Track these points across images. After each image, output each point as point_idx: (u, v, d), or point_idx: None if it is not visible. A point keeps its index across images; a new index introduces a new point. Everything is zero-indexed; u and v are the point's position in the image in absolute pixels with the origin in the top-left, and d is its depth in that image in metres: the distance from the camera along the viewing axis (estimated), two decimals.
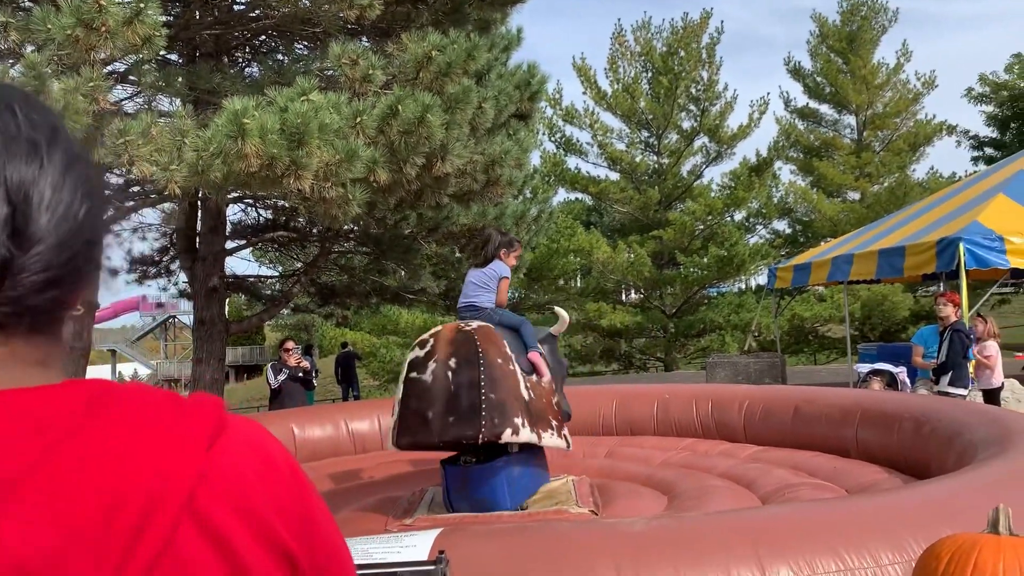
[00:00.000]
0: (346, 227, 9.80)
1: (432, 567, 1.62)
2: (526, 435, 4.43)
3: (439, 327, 4.75)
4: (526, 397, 4.57)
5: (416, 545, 2.04)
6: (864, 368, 9.87)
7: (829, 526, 2.61)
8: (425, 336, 4.69)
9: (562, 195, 24.17)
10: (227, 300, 10.08)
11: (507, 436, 4.32)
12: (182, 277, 11.15)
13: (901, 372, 9.24)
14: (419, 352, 4.56)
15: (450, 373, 4.40)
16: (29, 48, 5.81)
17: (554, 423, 4.73)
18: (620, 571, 2.26)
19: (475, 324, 4.68)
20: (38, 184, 0.61)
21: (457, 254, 12.02)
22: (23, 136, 0.62)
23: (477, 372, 4.40)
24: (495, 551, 2.32)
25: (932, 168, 26.68)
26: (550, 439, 4.66)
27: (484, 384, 4.36)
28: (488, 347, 4.51)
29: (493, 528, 2.67)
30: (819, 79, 26.01)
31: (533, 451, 4.83)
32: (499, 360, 4.49)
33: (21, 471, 0.54)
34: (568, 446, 4.84)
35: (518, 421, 4.39)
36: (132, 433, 0.58)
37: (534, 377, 4.80)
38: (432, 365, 4.44)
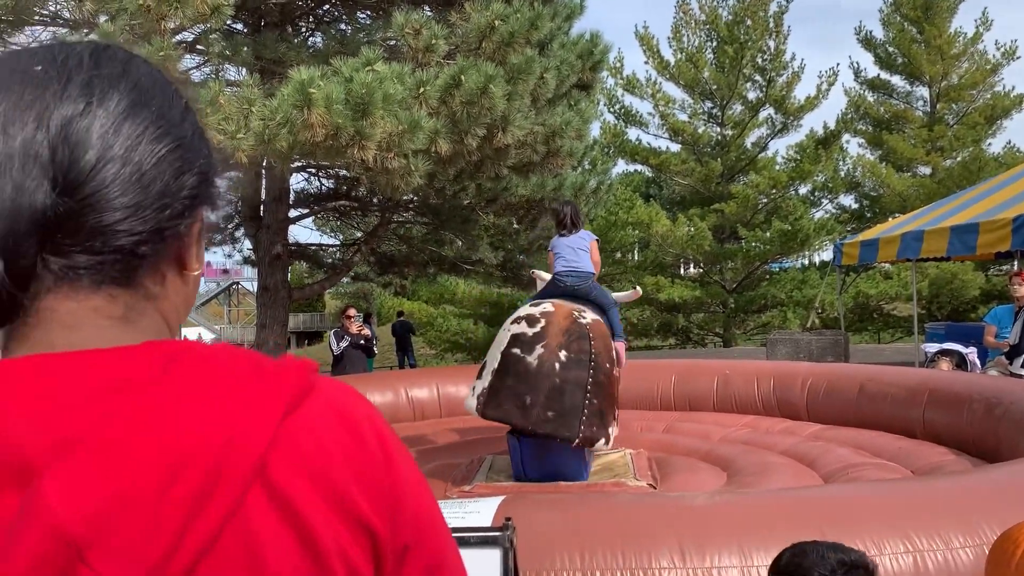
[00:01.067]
0: (406, 197, 9.87)
1: (499, 533, 1.64)
2: (613, 434, 4.45)
3: (549, 307, 4.61)
4: (615, 395, 4.57)
5: (480, 511, 2.06)
6: (932, 348, 9.60)
7: (898, 506, 2.55)
8: (534, 313, 4.54)
9: (621, 167, 23.95)
10: (290, 267, 10.26)
11: (600, 444, 4.34)
12: (246, 244, 11.37)
13: (971, 352, 8.96)
14: (526, 329, 4.44)
15: (558, 365, 4.31)
16: (103, 18, 5.95)
17: (616, 413, 4.69)
18: (683, 545, 2.25)
19: (589, 317, 4.61)
20: (86, 125, 0.58)
21: (515, 225, 12.00)
22: (78, 80, 0.60)
23: (587, 374, 4.33)
24: (558, 520, 2.33)
25: (1009, 143, 25.70)
26: (613, 431, 4.65)
27: (591, 388, 4.31)
28: (601, 349, 4.45)
29: (556, 497, 2.69)
30: (891, 49, 25.08)
31: None
32: (607, 364, 4.47)
33: (80, 432, 0.52)
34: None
35: (611, 430, 4.41)
36: (205, 396, 0.55)
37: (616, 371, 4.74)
38: (540, 349, 4.34)
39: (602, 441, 4.32)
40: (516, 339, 4.41)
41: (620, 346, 4.89)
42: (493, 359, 4.47)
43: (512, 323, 4.55)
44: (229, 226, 11.82)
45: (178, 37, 6.44)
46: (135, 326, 0.61)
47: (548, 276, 5.57)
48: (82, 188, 0.57)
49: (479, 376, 4.53)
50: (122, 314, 0.61)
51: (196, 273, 0.68)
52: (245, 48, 7.28)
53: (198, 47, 7.09)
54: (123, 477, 0.51)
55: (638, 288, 5.57)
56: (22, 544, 0.49)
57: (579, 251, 5.06)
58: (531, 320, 4.49)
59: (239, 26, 8.51)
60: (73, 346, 0.58)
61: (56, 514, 0.49)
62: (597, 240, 5.23)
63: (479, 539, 1.64)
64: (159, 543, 0.51)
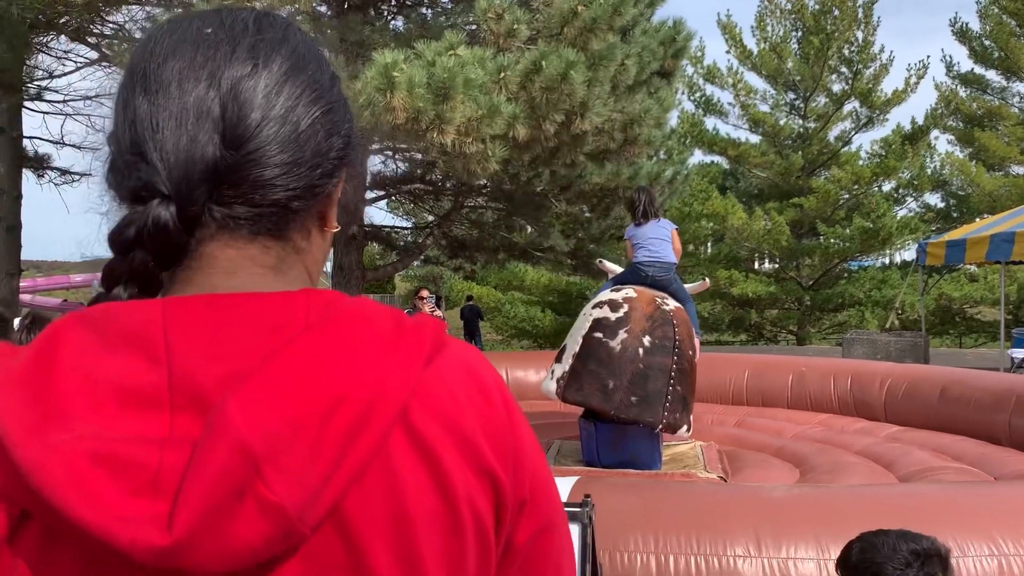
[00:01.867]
0: (480, 182, 9.92)
1: (578, 508, 1.65)
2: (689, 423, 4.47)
3: (631, 292, 4.61)
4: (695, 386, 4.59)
5: None
6: (1019, 353, 9.24)
7: (983, 508, 2.47)
8: (616, 298, 4.56)
9: (698, 157, 23.50)
10: (363, 248, 10.44)
11: (683, 431, 4.34)
12: None
13: None
14: (609, 314, 4.45)
15: (642, 350, 4.32)
16: None
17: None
18: (759, 536, 2.23)
19: (672, 304, 4.62)
20: (252, 86, 0.63)
21: (587, 214, 11.96)
22: (245, 44, 0.64)
23: (671, 360, 4.34)
24: (633, 502, 2.33)
25: None
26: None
27: (674, 375, 4.31)
28: (684, 336, 4.47)
29: (630, 481, 2.68)
30: (988, 42, 24.01)
31: None
32: (690, 352, 4.50)
33: (253, 365, 0.57)
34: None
35: (691, 417, 4.43)
36: (355, 342, 0.59)
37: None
38: (623, 335, 4.35)
39: (684, 428, 4.31)
40: (598, 323, 4.41)
41: (697, 342, 4.86)
42: (574, 343, 4.45)
43: (593, 307, 4.54)
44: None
45: None
46: (285, 276, 0.66)
47: (615, 266, 5.54)
48: (247, 144, 0.62)
49: (558, 360, 4.52)
50: (274, 264, 0.65)
51: (334, 230, 0.72)
52: (330, 30, 7.41)
53: None
54: (292, 406, 0.56)
55: (707, 279, 5.46)
56: (211, 453, 0.54)
57: (662, 241, 4.98)
58: (614, 305, 4.48)
59: (324, 8, 8.67)
60: (235, 289, 0.63)
61: (240, 429, 0.54)
62: (677, 229, 5.19)
63: None
64: (319, 468, 0.55)
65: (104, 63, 8.39)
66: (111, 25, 7.95)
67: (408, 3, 9.61)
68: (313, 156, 0.65)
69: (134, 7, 7.79)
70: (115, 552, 0.52)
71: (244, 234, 0.64)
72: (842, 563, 1.67)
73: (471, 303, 19.39)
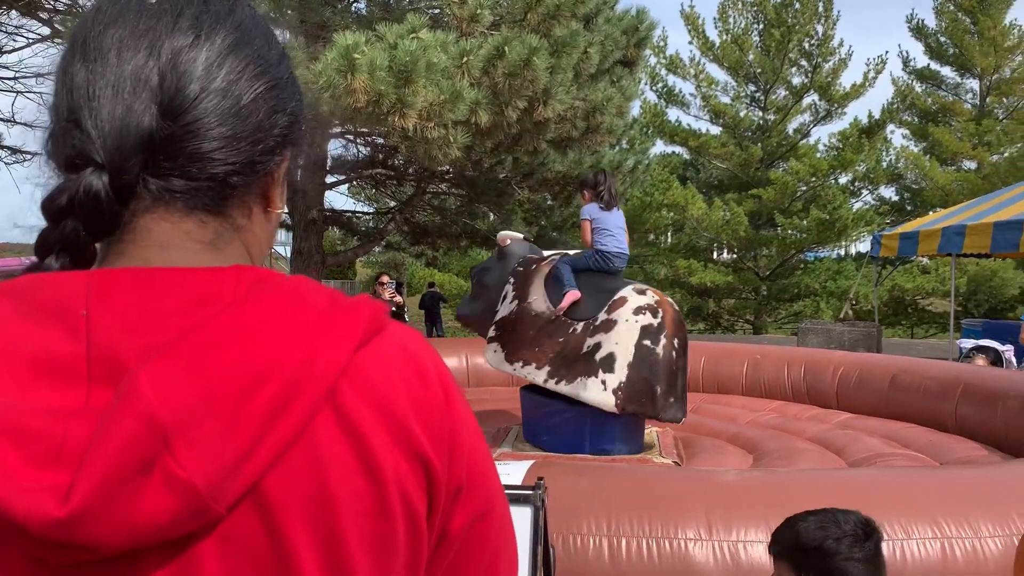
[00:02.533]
0: (442, 168, 9.88)
1: (531, 491, 1.66)
2: None
3: (654, 295, 4.70)
4: None
5: (510, 473, 2.09)
6: (968, 344, 9.49)
7: (928, 493, 2.54)
8: (651, 303, 4.61)
9: (659, 147, 23.63)
10: (323, 233, 10.34)
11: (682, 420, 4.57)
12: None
13: (1008, 350, 8.84)
14: (652, 320, 4.52)
15: (674, 353, 4.50)
16: None
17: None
18: (710, 519, 2.26)
19: (670, 300, 4.80)
20: (193, 57, 0.62)
21: (549, 201, 11.98)
22: (188, 13, 0.64)
23: (686, 359, 4.64)
24: (586, 485, 2.35)
25: None
26: None
27: (685, 371, 4.62)
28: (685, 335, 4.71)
29: (585, 464, 2.71)
30: (943, 39, 24.50)
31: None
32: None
33: (170, 339, 0.55)
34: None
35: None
36: (284, 319, 0.58)
37: None
38: (663, 340, 4.48)
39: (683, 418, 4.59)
40: (646, 331, 4.49)
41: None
42: (625, 352, 4.43)
43: (636, 314, 4.53)
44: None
45: None
46: (222, 252, 0.65)
47: (518, 235, 5.48)
48: (185, 115, 0.61)
49: (608, 370, 4.41)
50: (211, 240, 0.64)
51: (279, 211, 0.71)
52: (290, 11, 7.30)
53: None
54: (209, 380, 0.54)
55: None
56: (117, 423, 0.52)
57: (624, 231, 4.96)
58: (653, 311, 4.58)
59: None
60: (167, 263, 0.61)
61: (149, 400, 0.52)
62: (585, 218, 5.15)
63: (511, 497, 1.66)
64: (235, 445, 0.54)
65: (56, 39, 8.17)
66: (63, 1, 7.74)
67: None
68: (254, 131, 0.64)
69: None
70: (14, 525, 0.50)
71: (180, 207, 0.62)
72: (784, 542, 1.69)
73: (432, 289, 19.32)
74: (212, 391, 0.54)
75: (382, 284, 10.06)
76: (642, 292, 4.63)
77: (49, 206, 0.60)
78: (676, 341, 4.50)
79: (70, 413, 0.53)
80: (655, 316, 4.51)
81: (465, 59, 6.21)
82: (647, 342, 4.43)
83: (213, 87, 0.62)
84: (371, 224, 12.41)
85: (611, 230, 4.87)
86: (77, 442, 0.52)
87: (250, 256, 0.68)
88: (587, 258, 4.89)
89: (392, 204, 12.49)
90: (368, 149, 11.26)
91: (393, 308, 9.96)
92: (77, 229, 0.60)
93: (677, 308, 4.72)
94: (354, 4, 9.28)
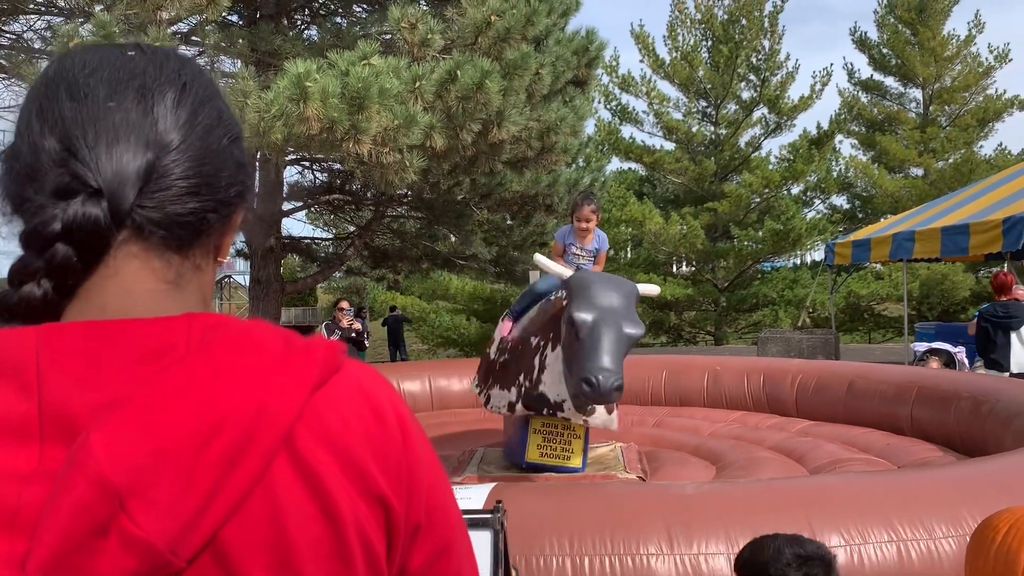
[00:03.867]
0: (400, 192, 9.88)
1: (489, 515, 1.67)
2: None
3: None
4: (493, 358, 4.94)
5: (471, 497, 2.09)
6: (921, 347, 9.69)
7: (883, 496, 2.60)
8: None
9: (615, 164, 23.90)
10: (282, 261, 10.27)
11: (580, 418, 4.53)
12: (239, 236, 11.33)
13: (960, 352, 9.05)
14: None
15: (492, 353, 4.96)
16: (98, 7, 5.94)
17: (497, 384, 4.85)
18: (671, 532, 2.29)
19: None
20: (179, 103, 0.67)
21: (508, 221, 12.04)
22: (170, 68, 0.69)
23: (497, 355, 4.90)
24: (548, 505, 2.36)
25: (1001, 145, 25.66)
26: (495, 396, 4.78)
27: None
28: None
29: (547, 485, 2.72)
30: (885, 50, 25.17)
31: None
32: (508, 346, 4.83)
33: (123, 394, 0.56)
34: (485, 404, 4.87)
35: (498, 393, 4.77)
36: (238, 366, 0.58)
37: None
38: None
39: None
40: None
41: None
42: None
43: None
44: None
45: (173, 28, 6.44)
46: (182, 292, 0.67)
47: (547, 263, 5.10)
48: (173, 153, 0.66)
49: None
50: (174, 279, 0.66)
51: (223, 261, 0.75)
52: (241, 40, 7.28)
53: (193, 38, 7.09)
54: (162, 435, 0.54)
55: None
56: (69, 490, 0.52)
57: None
58: None
59: (235, 18, 8.51)
60: (126, 308, 0.63)
61: (101, 463, 0.52)
62: (556, 239, 5.26)
63: (469, 521, 1.67)
64: (193, 499, 0.54)
65: (0, 74, 8.05)
66: (8, 35, 7.63)
67: (322, 12, 9.51)
68: (228, 175, 0.69)
69: (32, 16, 7.50)
70: None
71: (155, 243, 0.65)
72: (737, 563, 1.75)
73: (395, 313, 19.24)
74: (166, 447, 0.54)
75: (341, 310, 10.01)
76: None
77: (40, 232, 0.60)
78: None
79: (23, 477, 0.53)
80: None
81: (418, 84, 6.24)
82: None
83: (198, 130, 0.67)
84: (330, 250, 12.35)
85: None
86: (31, 508, 0.52)
87: (203, 298, 0.70)
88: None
89: (351, 229, 12.46)
90: (325, 175, 11.23)
91: (352, 334, 9.88)
92: (69, 255, 0.61)
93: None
94: (306, 31, 9.29)
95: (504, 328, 4.87)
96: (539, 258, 4.62)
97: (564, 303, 4.05)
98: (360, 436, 0.63)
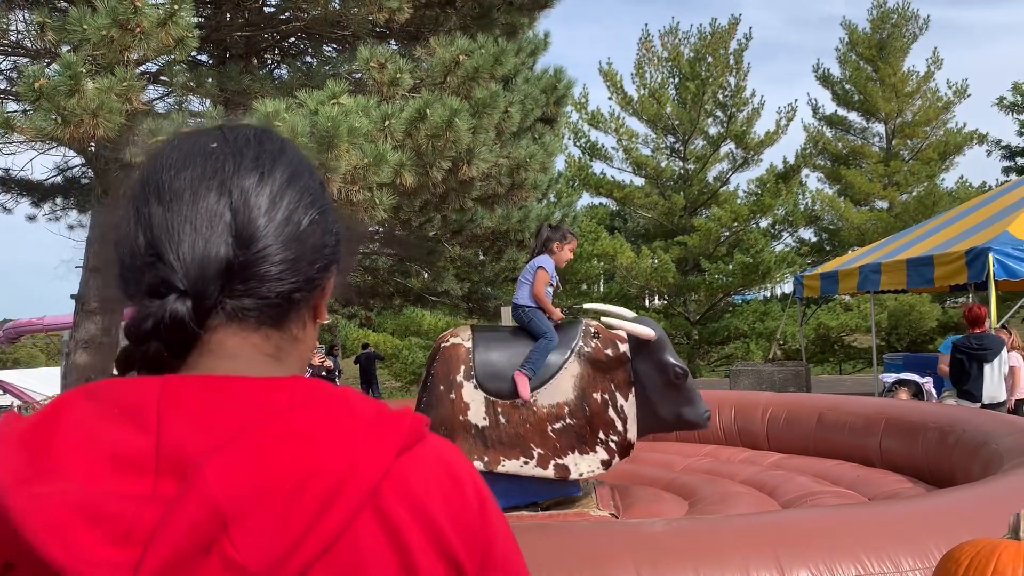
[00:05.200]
0: (371, 229, 9.88)
1: None
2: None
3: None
4: (478, 424, 4.50)
5: None
6: (890, 378, 9.79)
7: (850, 531, 2.61)
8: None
9: (586, 199, 24.08)
10: None
11: None
12: None
13: (927, 382, 9.15)
14: None
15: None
16: (65, 48, 5.93)
17: (537, 451, 4.52)
18: (639, 572, 2.28)
19: (452, 342, 4.75)
20: (258, 194, 0.71)
21: (480, 257, 12.07)
22: (249, 156, 0.73)
23: (423, 395, 4.65)
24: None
25: (962, 177, 26.20)
26: (520, 467, 4.48)
27: (422, 408, 4.55)
28: (440, 368, 4.60)
29: (516, 526, 2.70)
30: (848, 86, 25.77)
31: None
32: (441, 386, 4.55)
33: (231, 437, 0.62)
34: (560, 474, 4.57)
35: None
36: (333, 423, 0.65)
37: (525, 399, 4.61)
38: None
39: None
40: None
41: (517, 375, 4.61)
42: None
43: None
44: None
45: (142, 68, 6.44)
46: (282, 363, 0.73)
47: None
48: (256, 243, 0.70)
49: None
50: (274, 352, 0.72)
51: (324, 321, 0.81)
52: (209, 79, 7.28)
53: (162, 78, 7.08)
54: (265, 475, 0.61)
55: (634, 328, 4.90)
56: (182, 508, 0.59)
57: (521, 283, 4.97)
58: None
59: (204, 57, 8.52)
60: (233, 372, 0.69)
61: (213, 489, 0.59)
62: (543, 267, 4.91)
63: None
64: (286, 535, 0.60)
65: None
66: None
67: (292, 52, 9.56)
68: (312, 253, 0.73)
69: None
70: None
71: (251, 324, 0.71)
72: None
73: (367, 350, 19.10)
74: (268, 485, 0.60)
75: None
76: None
77: (135, 330, 0.68)
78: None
79: (140, 498, 0.60)
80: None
81: (387, 122, 6.27)
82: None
83: (278, 218, 0.71)
84: None
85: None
86: (145, 524, 0.59)
87: (300, 365, 0.76)
88: None
89: None
90: None
91: (323, 372, 9.80)
92: (160, 350, 0.68)
93: (441, 346, 4.76)
94: (275, 71, 9.32)
95: (523, 389, 4.57)
96: (617, 310, 5.09)
97: (622, 348, 4.68)
98: (439, 500, 0.68)
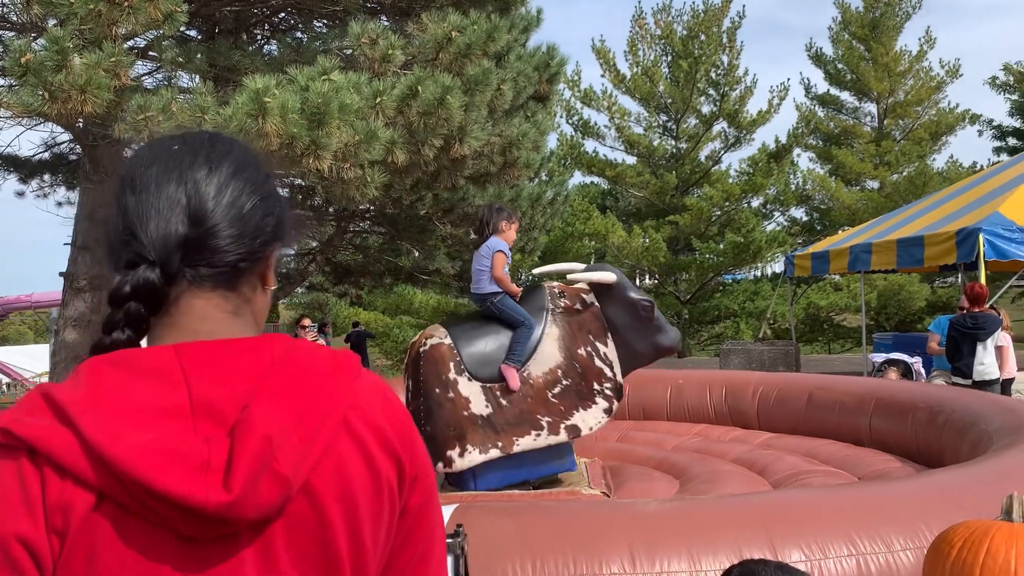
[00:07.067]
0: (362, 207, 9.83)
1: (451, 540, 1.64)
2: (472, 459, 4.42)
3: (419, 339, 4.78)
4: (483, 413, 4.50)
5: None
6: (879, 358, 9.85)
7: (842, 511, 2.62)
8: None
9: (578, 178, 24.09)
10: None
11: (440, 468, 4.38)
12: None
13: (916, 362, 9.21)
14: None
15: (409, 395, 4.64)
16: (51, 22, 5.83)
17: (546, 420, 4.58)
18: (633, 551, 2.28)
19: (430, 343, 4.65)
20: (208, 183, 0.91)
21: (472, 236, 12.02)
22: (202, 154, 0.93)
23: (418, 403, 4.51)
24: (509, 527, 2.34)
25: (953, 157, 26.29)
26: (535, 441, 4.52)
27: (423, 416, 4.47)
28: (428, 371, 4.53)
29: (509, 505, 2.70)
30: (840, 66, 25.71)
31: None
32: (437, 389, 4.49)
33: (258, 384, 0.84)
34: (573, 435, 4.65)
35: (452, 453, 4.41)
36: (311, 372, 0.87)
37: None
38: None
39: (440, 465, 4.42)
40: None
41: (505, 369, 4.59)
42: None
43: None
44: None
45: (130, 43, 6.34)
46: (242, 319, 0.93)
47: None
48: (206, 222, 0.89)
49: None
50: (233, 310, 0.92)
51: (272, 288, 1.00)
52: (199, 55, 7.18)
53: (150, 53, 6.99)
54: (283, 414, 0.83)
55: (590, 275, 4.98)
56: (248, 442, 0.79)
57: (480, 271, 4.78)
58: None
59: (193, 32, 8.40)
60: (210, 333, 0.89)
61: (266, 426, 0.81)
62: (501, 251, 4.78)
63: None
64: (299, 453, 0.82)
65: None
66: None
67: (282, 28, 9.44)
68: (255, 230, 0.92)
69: None
70: (188, 509, 0.76)
71: (208, 287, 0.90)
72: None
73: (357, 328, 19.08)
74: (286, 420, 0.83)
75: (303, 327, 9.92)
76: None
77: (116, 294, 0.87)
78: (410, 385, 4.65)
79: (200, 439, 0.80)
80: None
81: (379, 99, 6.21)
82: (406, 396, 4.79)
83: (224, 201, 0.91)
84: (292, 266, 12.23)
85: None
86: (216, 457, 0.79)
87: (256, 321, 0.96)
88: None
89: (313, 244, 12.34)
90: (286, 190, 11.13)
91: None
92: (139, 308, 0.87)
93: (420, 351, 4.63)
94: (264, 47, 9.21)
95: (512, 381, 4.57)
96: (568, 266, 5.19)
97: (588, 299, 4.84)
98: (383, 417, 0.91)
